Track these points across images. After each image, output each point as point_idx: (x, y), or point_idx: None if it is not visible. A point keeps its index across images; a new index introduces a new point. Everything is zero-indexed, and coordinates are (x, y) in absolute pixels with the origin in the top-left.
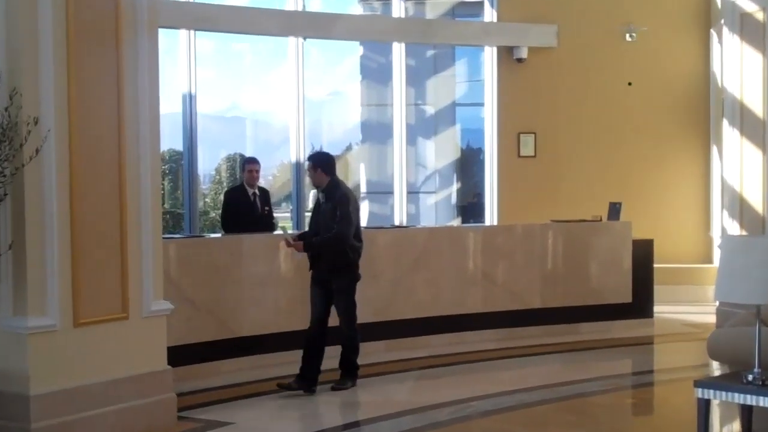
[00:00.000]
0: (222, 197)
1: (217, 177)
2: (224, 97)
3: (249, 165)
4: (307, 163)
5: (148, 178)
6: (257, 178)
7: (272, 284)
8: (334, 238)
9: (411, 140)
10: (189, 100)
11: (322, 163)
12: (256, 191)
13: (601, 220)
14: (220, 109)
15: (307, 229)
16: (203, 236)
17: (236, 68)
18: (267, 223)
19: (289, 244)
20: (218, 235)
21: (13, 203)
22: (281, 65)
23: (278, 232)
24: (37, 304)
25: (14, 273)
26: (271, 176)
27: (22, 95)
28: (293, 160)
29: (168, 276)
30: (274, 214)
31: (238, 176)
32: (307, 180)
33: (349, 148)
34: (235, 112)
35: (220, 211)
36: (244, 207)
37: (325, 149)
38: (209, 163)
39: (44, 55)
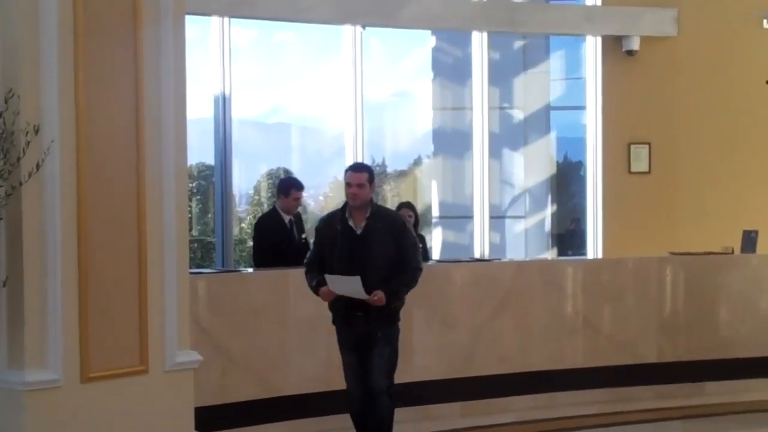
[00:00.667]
0: (253, 226)
1: (256, 197)
2: (265, 99)
3: (297, 191)
4: (352, 174)
5: (173, 199)
6: (296, 206)
7: (324, 330)
8: (414, 277)
9: (494, 152)
10: (222, 104)
11: (373, 176)
12: (292, 218)
13: (732, 252)
14: (259, 114)
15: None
16: (239, 271)
17: (279, 64)
18: (305, 254)
19: (370, 300)
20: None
21: (8, 230)
22: (335, 60)
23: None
24: (36, 354)
25: (9, 316)
26: (322, 196)
27: (20, 98)
28: None
29: (196, 320)
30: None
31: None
32: None
33: (417, 161)
34: (278, 118)
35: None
36: (283, 238)
37: (388, 162)
38: (246, 180)
39: (47, 49)
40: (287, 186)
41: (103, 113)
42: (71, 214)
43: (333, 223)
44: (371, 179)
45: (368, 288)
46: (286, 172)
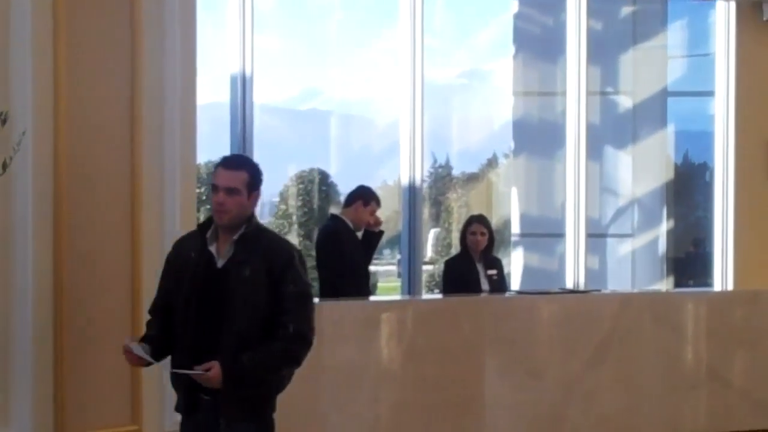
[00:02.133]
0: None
1: (282, 207)
2: (295, 79)
3: (375, 204)
4: (222, 171)
5: (177, 208)
6: (376, 222)
7: (368, 381)
8: (292, 351)
9: (594, 151)
10: (241, 85)
11: (257, 178)
12: (359, 234)
13: None
14: (287, 99)
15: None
16: None
17: (315, 36)
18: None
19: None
20: None
21: None
22: (387, 31)
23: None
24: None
25: None
26: None
27: None
28: (405, 179)
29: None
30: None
31: (314, 203)
32: (426, 213)
33: (492, 162)
34: (313, 104)
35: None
36: (358, 256)
37: (455, 162)
38: (271, 183)
39: (19, 19)
40: (368, 195)
41: (88, 99)
42: (46, 227)
43: (187, 248)
44: (253, 183)
45: (218, 355)
46: (322, 173)
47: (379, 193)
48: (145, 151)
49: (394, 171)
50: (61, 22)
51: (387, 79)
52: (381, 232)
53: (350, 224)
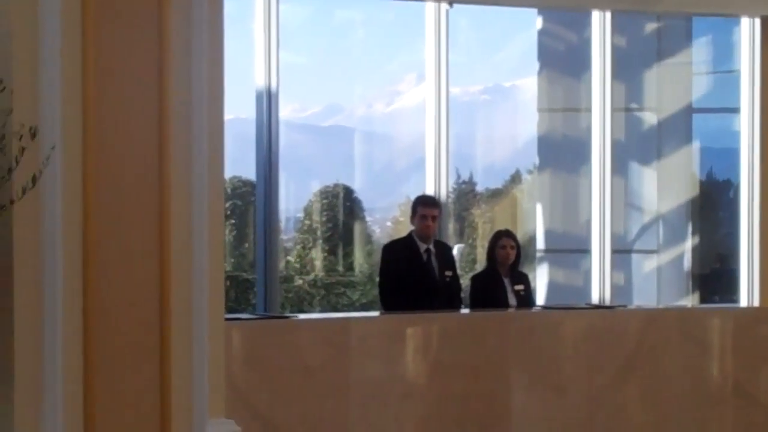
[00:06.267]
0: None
1: (307, 222)
2: (319, 95)
3: (424, 208)
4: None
5: (205, 223)
6: (434, 229)
7: (395, 396)
8: None
9: (619, 167)
10: (267, 101)
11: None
12: (431, 247)
13: None
14: (311, 115)
15: None
16: (287, 317)
17: (339, 50)
18: (447, 295)
19: None
20: (309, 315)
21: None
22: (412, 46)
23: None
24: (28, 422)
25: None
26: (391, 221)
27: (13, 92)
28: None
29: (231, 380)
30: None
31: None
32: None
33: (516, 178)
34: (336, 120)
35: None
36: (413, 269)
37: (479, 178)
38: (294, 199)
39: (48, 34)
40: (416, 202)
41: (117, 113)
42: (75, 243)
43: None
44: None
45: None
46: (346, 189)
47: (399, 209)
48: (174, 170)
49: (417, 187)
50: (89, 38)
51: (412, 96)
52: (441, 243)
53: (415, 237)
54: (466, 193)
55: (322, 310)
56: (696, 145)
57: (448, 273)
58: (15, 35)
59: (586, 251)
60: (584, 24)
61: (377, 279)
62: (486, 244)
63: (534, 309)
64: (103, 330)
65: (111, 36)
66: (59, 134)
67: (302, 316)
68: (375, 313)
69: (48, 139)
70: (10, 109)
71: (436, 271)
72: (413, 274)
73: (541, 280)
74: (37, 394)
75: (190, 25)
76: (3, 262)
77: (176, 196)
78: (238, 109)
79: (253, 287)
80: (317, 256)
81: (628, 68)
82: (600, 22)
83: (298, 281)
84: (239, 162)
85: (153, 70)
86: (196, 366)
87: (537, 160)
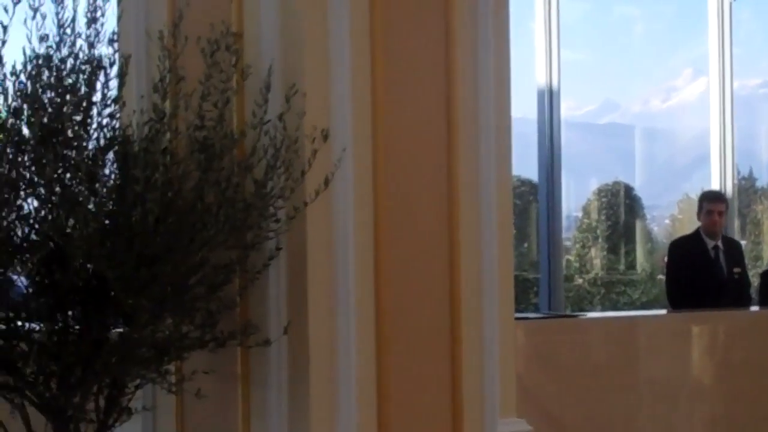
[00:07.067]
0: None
1: (585, 221)
2: (595, 92)
3: (710, 204)
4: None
5: (494, 224)
6: (721, 225)
7: (684, 396)
8: None
9: None
10: (548, 99)
11: None
12: (719, 243)
13: None
14: (587, 113)
15: None
16: (574, 316)
17: (617, 46)
18: (735, 292)
19: None
20: (596, 314)
21: (290, 262)
22: (692, 40)
23: None
24: (324, 422)
25: (291, 371)
26: (669, 219)
27: (306, 96)
28: None
29: (519, 379)
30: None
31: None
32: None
33: None
34: (612, 117)
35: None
36: (701, 266)
37: (760, 175)
38: (573, 197)
39: (337, 41)
40: (702, 198)
41: (405, 114)
42: (367, 243)
43: None
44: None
45: None
46: (626, 187)
47: (677, 207)
48: (461, 174)
49: (699, 183)
50: (378, 43)
51: (689, 91)
52: (730, 239)
53: (702, 233)
54: (746, 189)
55: (603, 309)
56: None
57: (737, 270)
58: (307, 42)
59: None
60: None
61: (659, 277)
62: None
63: None
64: (395, 331)
65: (398, 39)
66: (350, 136)
67: (589, 314)
68: (662, 312)
69: (339, 141)
70: (303, 112)
71: (724, 268)
72: (701, 271)
73: None
74: (332, 394)
75: (476, 25)
76: (299, 263)
77: (465, 198)
78: (520, 109)
79: (533, 287)
80: (596, 254)
81: None
82: None
83: (578, 280)
84: (518, 161)
85: (440, 71)
86: (486, 366)
87: None
